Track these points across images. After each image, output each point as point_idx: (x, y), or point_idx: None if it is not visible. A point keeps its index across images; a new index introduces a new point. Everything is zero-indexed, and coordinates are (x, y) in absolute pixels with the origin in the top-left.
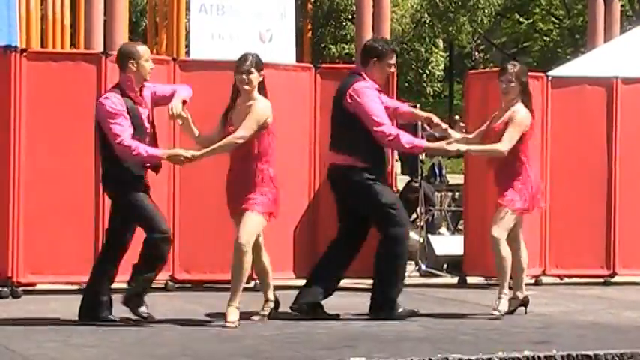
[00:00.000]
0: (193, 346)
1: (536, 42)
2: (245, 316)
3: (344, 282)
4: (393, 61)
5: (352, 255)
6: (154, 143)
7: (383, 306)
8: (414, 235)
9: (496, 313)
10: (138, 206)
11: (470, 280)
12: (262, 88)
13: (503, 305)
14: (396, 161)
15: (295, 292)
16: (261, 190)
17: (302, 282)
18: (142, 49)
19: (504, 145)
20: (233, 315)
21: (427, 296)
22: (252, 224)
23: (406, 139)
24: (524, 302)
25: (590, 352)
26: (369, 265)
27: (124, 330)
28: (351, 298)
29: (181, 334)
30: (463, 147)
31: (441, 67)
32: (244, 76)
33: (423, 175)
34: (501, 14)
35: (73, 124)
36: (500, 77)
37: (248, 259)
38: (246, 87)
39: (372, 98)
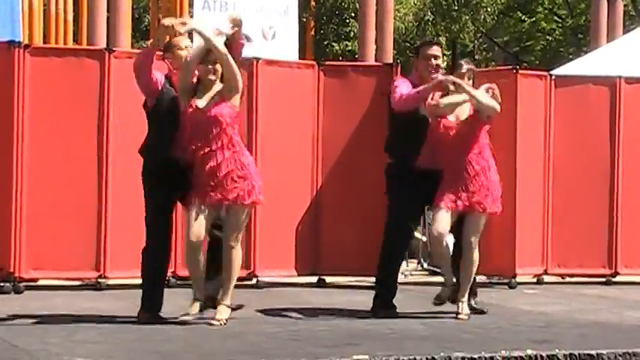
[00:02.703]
0: (196, 343)
1: (538, 41)
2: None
3: (346, 280)
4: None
5: None
6: None
7: None
8: (416, 234)
9: (464, 317)
10: None
11: None
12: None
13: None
14: None
15: (298, 290)
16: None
17: (304, 280)
18: None
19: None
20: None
21: (429, 294)
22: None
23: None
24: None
25: (593, 352)
26: (370, 263)
27: (127, 326)
28: (353, 296)
29: (184, 330)
30: (459, 80)
31: (444, 65)
32: (210, 67)
33: None
34: (504, 13)
35: (77, 120)
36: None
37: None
38: (213, 77)
39: None
